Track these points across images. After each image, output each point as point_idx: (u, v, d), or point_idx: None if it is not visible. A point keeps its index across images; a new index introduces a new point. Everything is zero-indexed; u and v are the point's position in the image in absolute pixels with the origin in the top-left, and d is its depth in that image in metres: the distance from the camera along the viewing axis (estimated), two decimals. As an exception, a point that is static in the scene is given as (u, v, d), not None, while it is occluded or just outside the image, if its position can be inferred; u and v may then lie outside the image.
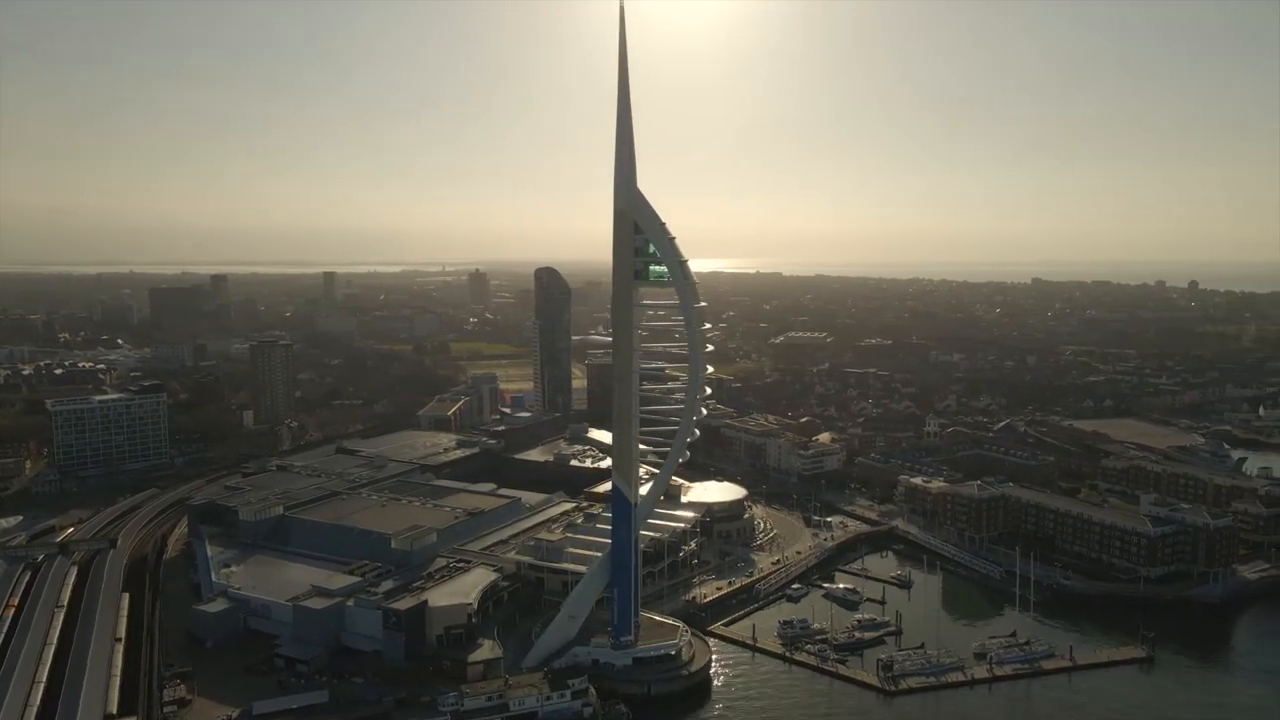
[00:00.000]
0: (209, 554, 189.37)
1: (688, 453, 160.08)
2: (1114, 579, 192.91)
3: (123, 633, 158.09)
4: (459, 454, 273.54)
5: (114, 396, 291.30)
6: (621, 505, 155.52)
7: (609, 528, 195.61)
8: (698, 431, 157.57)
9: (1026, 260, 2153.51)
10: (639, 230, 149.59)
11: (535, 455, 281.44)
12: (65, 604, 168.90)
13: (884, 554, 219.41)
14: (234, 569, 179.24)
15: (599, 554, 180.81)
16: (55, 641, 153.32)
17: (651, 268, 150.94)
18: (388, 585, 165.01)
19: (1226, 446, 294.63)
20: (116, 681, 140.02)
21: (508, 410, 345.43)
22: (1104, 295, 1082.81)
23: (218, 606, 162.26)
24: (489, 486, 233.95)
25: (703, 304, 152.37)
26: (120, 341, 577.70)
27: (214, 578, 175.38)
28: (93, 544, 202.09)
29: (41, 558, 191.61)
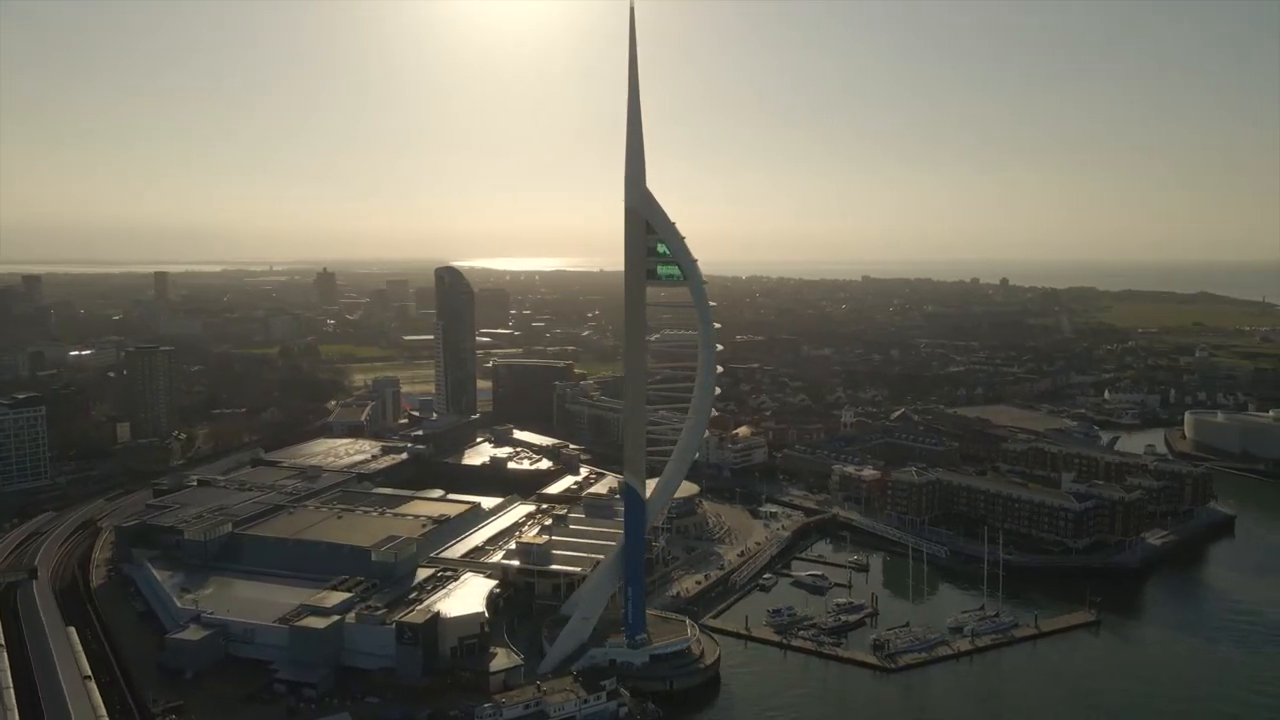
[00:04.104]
0: (158, 579, 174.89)
1: (698, 453, 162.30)
2: (1046, 552, 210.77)
3: (89, 669, 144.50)
4: (388, 461, 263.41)
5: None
6: (634, 503, 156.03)
7: (585, 528, 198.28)
8: (708, 432, 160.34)
9: (855, 259, 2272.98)
10: (651, 230, 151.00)
11: (469, 459, 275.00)
12: (3, 643, 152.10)
13: (826, 540, 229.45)
14: (198, 593, 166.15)
15: (583, 555, 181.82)
16: (11, 685, 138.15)
17: (660, 268, 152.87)
18: (380, 600, 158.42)
19: (1096, 428, 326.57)
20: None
21: (418, 414, 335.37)
22: (929, 291, 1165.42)
23: (197, 634, 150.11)
24: (437, 493, 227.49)
25: (712, 304, 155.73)
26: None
27: (179, 604, 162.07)
28: (9, 575, 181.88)
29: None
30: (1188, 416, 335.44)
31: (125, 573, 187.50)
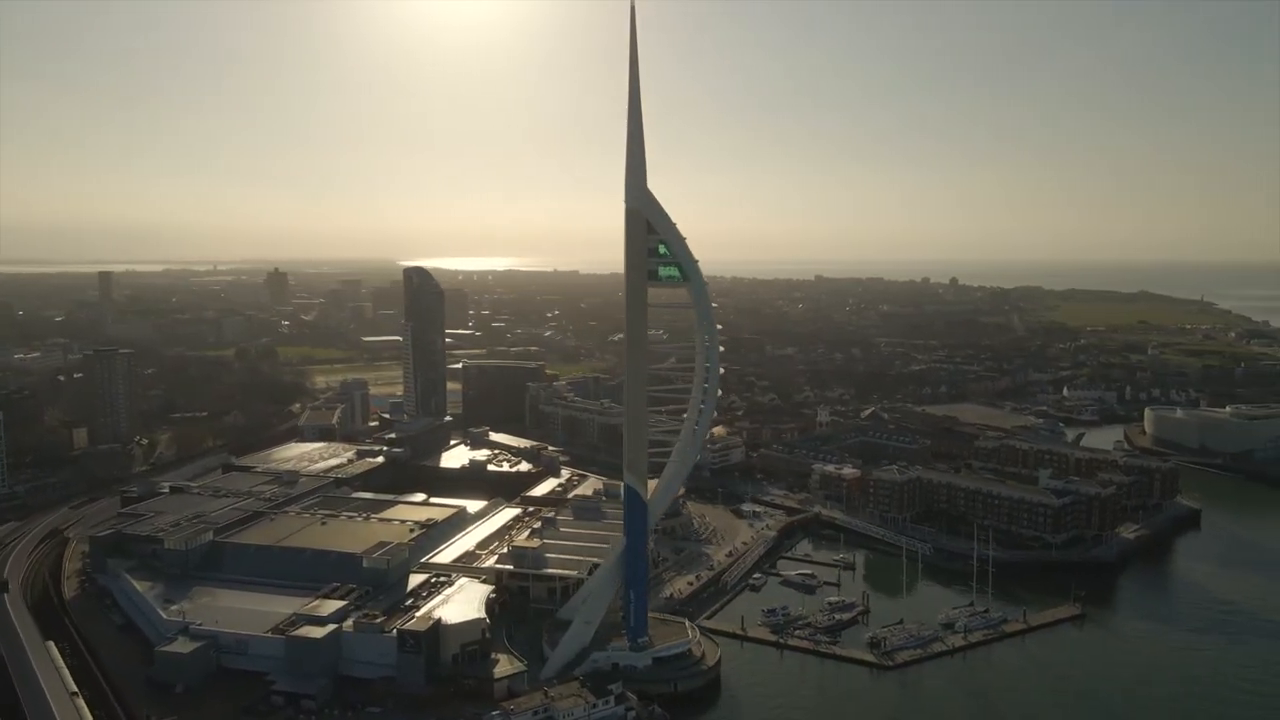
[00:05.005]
0: (139, 590, 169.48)
1: (699, 455, 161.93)
2: (1027, 547, 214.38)
3: (74, 685, 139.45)
4: (365, 465, 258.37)
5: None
6: (635, 505, 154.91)
7: (575, 530, 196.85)
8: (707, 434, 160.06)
9: (805, 259, 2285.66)
10: (652, 230, 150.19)
11: (446, 462, 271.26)
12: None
13: (808, 539, 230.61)
14: (184, 604, 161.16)
15: (577, 558, 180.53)
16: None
17: (661, 269, 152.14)
18: (375, 607, 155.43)
19: (1062, 425, 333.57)
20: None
21: (388, 416, 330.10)
22: (881, 290, 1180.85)
23: (187, 646, 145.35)
24: (420, 497, 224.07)
25: (714, 304, 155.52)
26: None
27: (165, 615, 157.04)
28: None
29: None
30: (1147, 412, 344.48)
31: (101, 584, 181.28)
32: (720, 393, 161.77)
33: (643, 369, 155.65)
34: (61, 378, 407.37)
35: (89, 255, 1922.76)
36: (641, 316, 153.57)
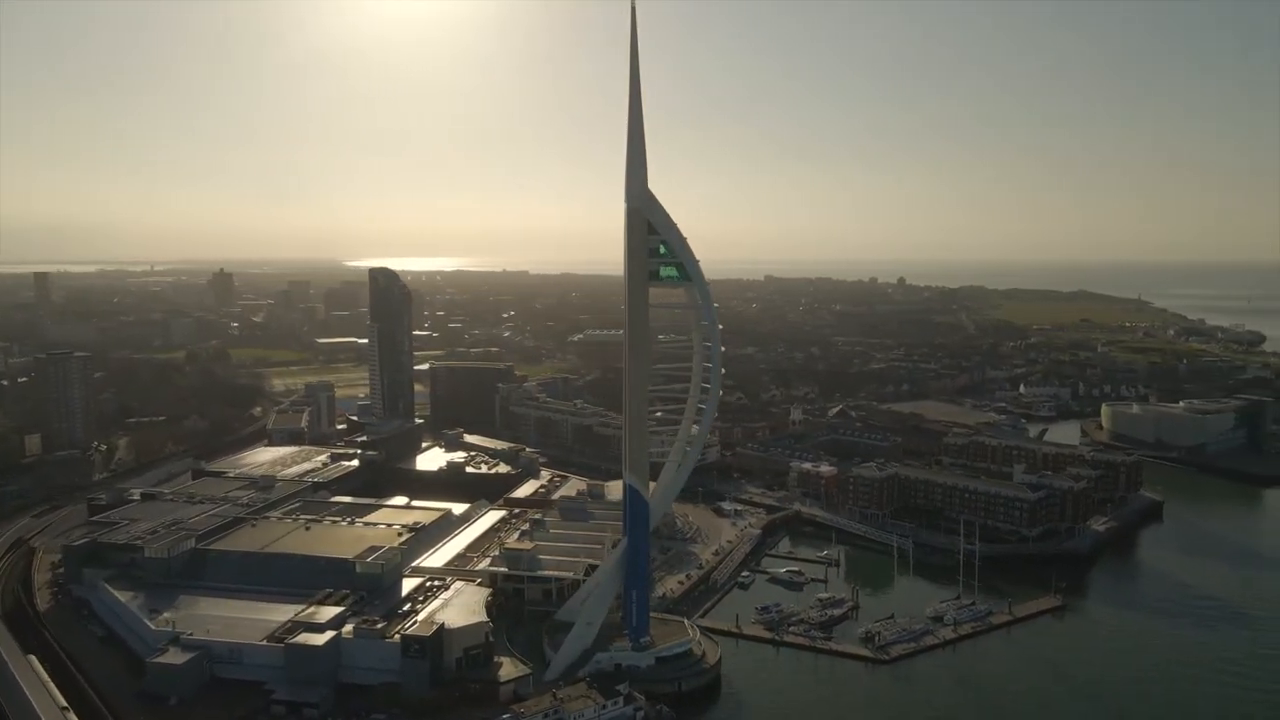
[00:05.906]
0: (121, 600, 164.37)
1: (699, 455, 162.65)
2: (1004, 541, 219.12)
3: (64, 700, 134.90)
4: (340, 468, 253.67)
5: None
6: (636, 506, 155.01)
7: (565, 531, 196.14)
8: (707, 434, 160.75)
9: (752, 259, 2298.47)
10: (653, 230, 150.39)
11: (423, 465, 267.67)
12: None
13: (788, 536, 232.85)
14: (171, 614, 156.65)
15: (570, 559, 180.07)
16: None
17: (661, 269, 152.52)
18: (372, 613, 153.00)
19: (1024, 422, 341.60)
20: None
21: (355, 419, 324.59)
22: (831, 290, 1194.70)
23: (179, 657, 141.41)
24: (402, 500, 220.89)
25: (715, 305, 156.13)
26: None
27: (152, 626, 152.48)
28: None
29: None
30: (1104, 408, 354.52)
31: (77, 595, 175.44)
32: (721, 392, 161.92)
33: (644, 369, 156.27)
34: (4, 382, 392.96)
35: (13, 255, 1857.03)
36: (643, 317, 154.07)
